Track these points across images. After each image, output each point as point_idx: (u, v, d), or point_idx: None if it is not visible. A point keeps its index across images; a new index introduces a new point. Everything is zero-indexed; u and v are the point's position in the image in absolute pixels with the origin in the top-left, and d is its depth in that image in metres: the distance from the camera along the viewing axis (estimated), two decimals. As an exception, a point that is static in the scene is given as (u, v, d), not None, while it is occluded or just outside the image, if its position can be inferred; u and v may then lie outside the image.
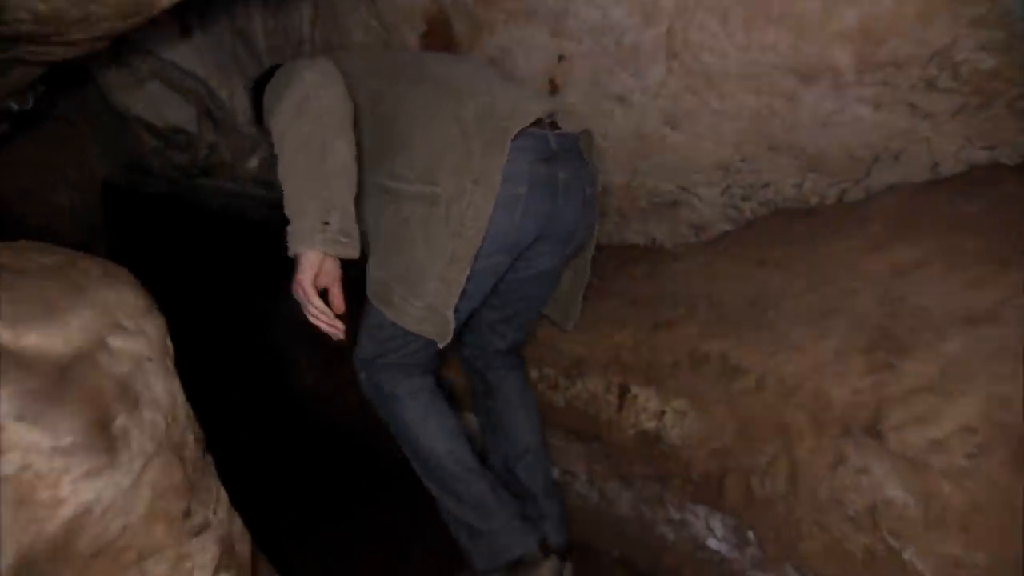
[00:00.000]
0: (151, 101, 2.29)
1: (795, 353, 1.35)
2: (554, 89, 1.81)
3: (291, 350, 3.16)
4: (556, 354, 1.83)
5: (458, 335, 1.39)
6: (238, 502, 1.01)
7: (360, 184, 1.33)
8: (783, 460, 1.30)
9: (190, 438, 0.92)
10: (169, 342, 0.94)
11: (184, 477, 0.87)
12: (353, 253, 1.23)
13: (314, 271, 1.19)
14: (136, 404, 0.78)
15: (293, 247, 1.19)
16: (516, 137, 1.24)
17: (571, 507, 1.82)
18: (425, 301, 1.26)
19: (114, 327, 0.81)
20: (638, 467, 1.70)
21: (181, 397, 0.92)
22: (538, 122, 1.32)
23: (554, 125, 1.38)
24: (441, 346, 1.31)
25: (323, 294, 1.26)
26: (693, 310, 1.67)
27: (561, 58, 1.73)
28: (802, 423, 1.28)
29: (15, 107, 1.58)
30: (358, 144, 1.30)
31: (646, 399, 1.67)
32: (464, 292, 1.27)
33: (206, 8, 2.14)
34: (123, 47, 2.21)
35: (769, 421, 1.35)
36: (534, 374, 1.88)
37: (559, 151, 1.34)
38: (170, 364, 0.91)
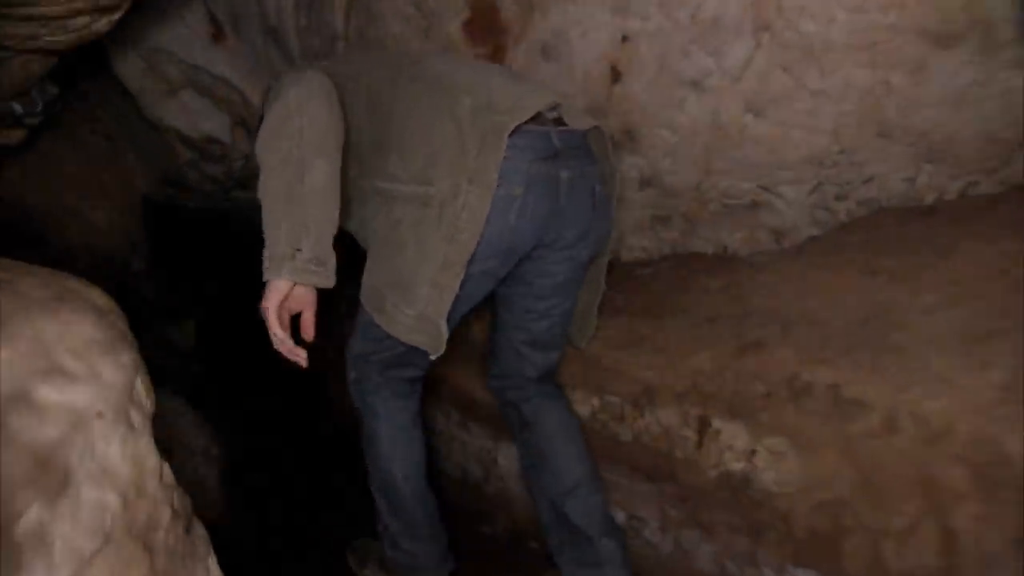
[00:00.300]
0: (184, 110, 2.12)
1: (940, 387, 1.02)
2: (616, 76, 1.53)
3: (330, 362, 2.95)
4: (621, 380, 1.53)
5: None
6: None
7: (356, 187, 1.25)
8: (931, 525, 0.98)
9: (164, 515, 0.66)
10: (141, 387, 0.69)
11: (150, 573, 0.61)
12: (326, 282, 1.12)
13: (280, 298, 1.09)
14: (66, 485, 0.53)
15: (264, 273, 1.09)
16: (515, 134, 1.12)
17: (638, 555, 1.51)
18: (417, 309, 1.17)
19: (47, 372, 0.56)
20: (722, 515, 1.38)
21: (153, 461, 0.67)
22: (539, 118, 1.18)
23: (559, 121, 1.23)
24: (433, 357, 1.20)
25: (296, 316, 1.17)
26: (787, 330, 1.35)
27: (625, 39, 1.45)
28: (959, 480, 0.95)
29: (19, 109, 1.40)
30: (355, 146, 1.22)
31: (732, 435, 1.35)
32: (457, 298, 1.17)
33: (237, 8, 1.95)
34: (156, 54, 2.04)
35: (906, 473, 1.03)
36: (595, 402, 1.59)
37: (562, 149, 1.20)
38: (139, 417, 0.66)
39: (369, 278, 1.25)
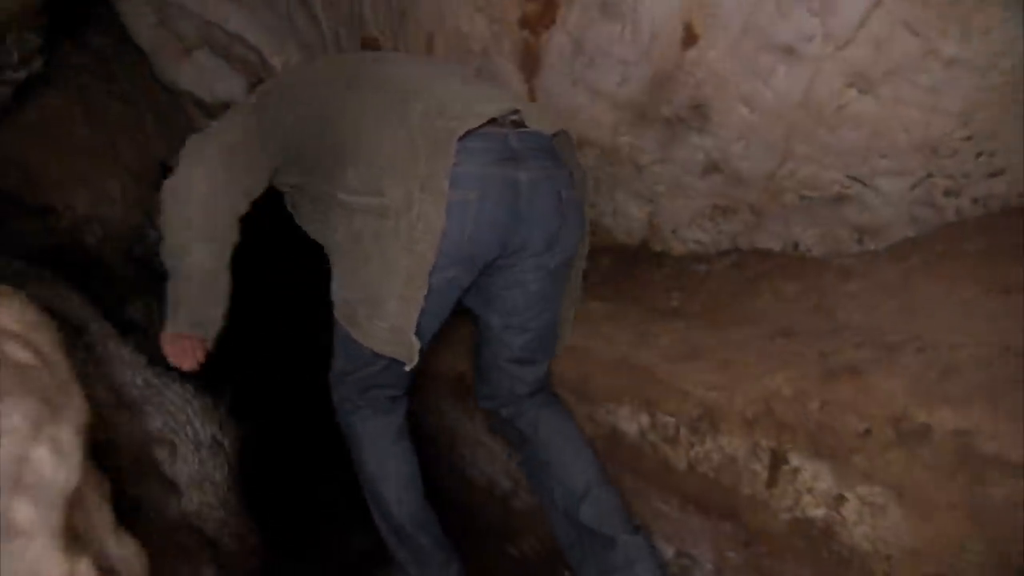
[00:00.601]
0: (199, 72, 1.87)
1: None
2: (690, 40, 1.24)
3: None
4: (677, 397, 1.28)
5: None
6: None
7: (315, 201, 1.23)
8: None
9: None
10: (47, 456, 0.45)
11: None
12: (206, 337, 1.31)
13: (169, 339, 1.30)
14: None
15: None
16: (468, 138, 1.07)
17: (687, 597, 1.29)
18: (389, 322, 1.13)
19: None
20: (794, 567, 1.13)
21: (59, 572, 0.44)
22: (497, 120, 1.12)
23: (518, 124, 1.16)
24: (408, 368, 1.16)
25: None
26: (892, 355, 1.08)
27: (705, -8, 1.16)
28: None
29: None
30: (311, 160, 1.20)
31: (814, 476, 1.09)
32: (423, 311, 1.12)
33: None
34: (167, 7, 1.80)
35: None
36: (643, 420, 1.34)
37: (521, 150, 1.14)
38: (33, 509, 0.43)
39: (339, 292, 1.20)
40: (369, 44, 1.68)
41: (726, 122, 1.33)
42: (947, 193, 1.25)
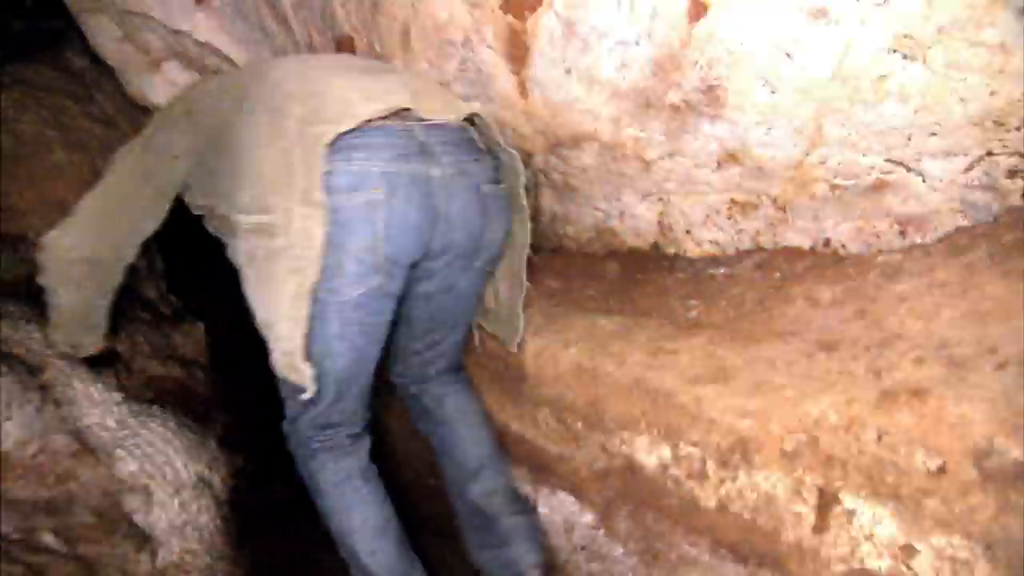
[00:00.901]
0: (169, 86, 1.73)
1: None
2: (698, 11, 1.04)
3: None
4: (703, 426, 1.08)
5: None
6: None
7: (222, 223, 1.15)
8: None
9: None
10: None
11: None
12: (80, 355, 1.41)
13: None
14: None
15: None
16: (367, 134, 1.01)
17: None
18: (281, 345, 1.06)
19: None
20: (853, 626, 0.93)
21: None
22: (401, 113, 1.06)
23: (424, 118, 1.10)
24: (303, 398, 1.07)
25: None
26: (963, 370, 0.87)
27: (716, -49, 0.97)
28: None
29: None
30: (215, 182, 1.13)
31: (873, 521, 0.89)
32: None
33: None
34: (131, 18, 1.65)
35: None
36: (664, 452, 1.14)
37: (431, 145, 1.08)
38: None
39: (254, 318, 1.11)
40: (344, 46, 1.51)
41: (743, 105, 1.13)
42: (1011, 173, 1.04)
